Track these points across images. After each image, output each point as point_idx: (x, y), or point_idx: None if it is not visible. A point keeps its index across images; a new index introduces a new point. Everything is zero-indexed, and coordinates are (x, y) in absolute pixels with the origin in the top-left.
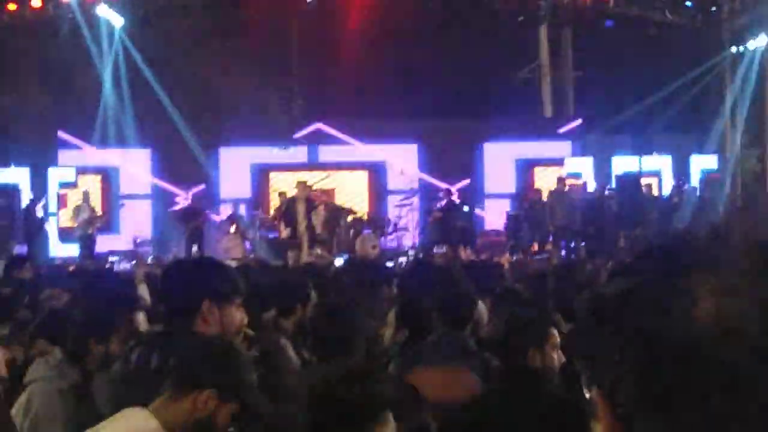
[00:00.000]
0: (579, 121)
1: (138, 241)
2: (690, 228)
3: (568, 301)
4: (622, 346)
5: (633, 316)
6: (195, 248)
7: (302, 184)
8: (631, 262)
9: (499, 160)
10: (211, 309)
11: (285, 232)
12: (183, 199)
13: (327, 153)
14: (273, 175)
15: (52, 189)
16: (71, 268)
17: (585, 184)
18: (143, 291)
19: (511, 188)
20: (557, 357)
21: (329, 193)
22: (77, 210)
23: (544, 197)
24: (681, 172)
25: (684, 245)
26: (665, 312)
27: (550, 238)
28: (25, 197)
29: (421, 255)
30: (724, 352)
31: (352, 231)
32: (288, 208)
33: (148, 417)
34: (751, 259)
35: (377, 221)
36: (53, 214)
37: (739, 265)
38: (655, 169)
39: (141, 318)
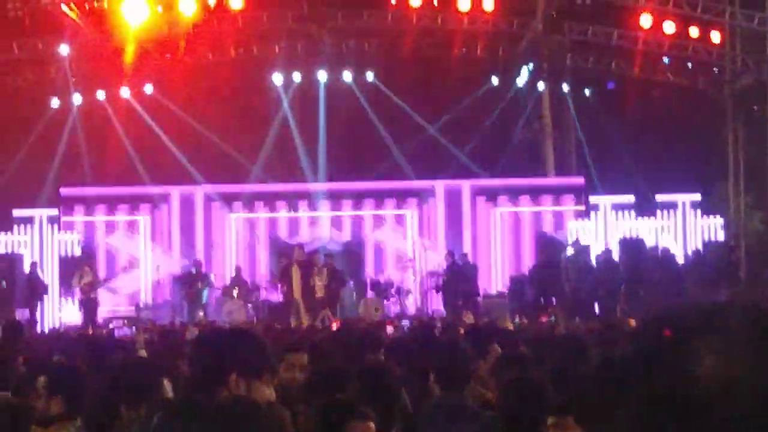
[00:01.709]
0: (581, 181)
1: (140, 305)
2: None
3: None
4: (632, 405)
5: (643, 376)
6: (201, 313)
7: (299, 248)
8: (640, 326)
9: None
10: (238, 382)
11: (282, 297)
12: (185, 263)
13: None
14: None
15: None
16: (73, 334)
17: (588, 247)
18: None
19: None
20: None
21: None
22: (80, 274)
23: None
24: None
25: (691, 312)
26: (672, 371)
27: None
28: (27, 262)
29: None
30: (725, 406)
31: (354, 294)
32: (284, 272)
33: None
34: (753, 325)
35: (380, 284)
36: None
37: (741, 330)
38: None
39: (167, 385)
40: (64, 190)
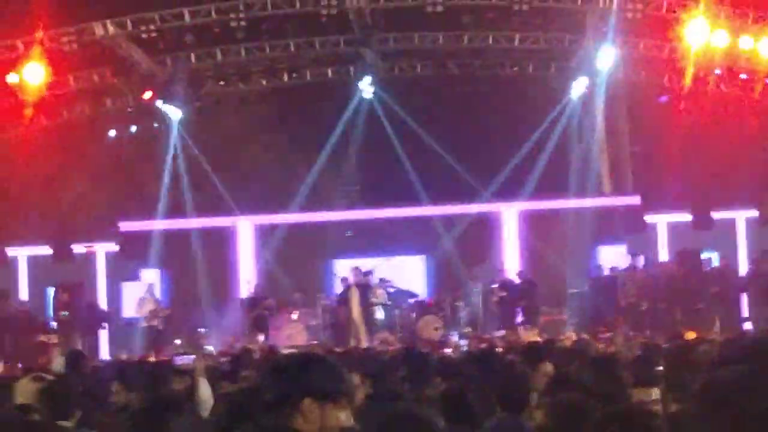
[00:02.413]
0: (638, 198)
1: (201, 331)
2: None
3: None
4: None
5: (751, 400)
6: (261, 337)
7: (356, 269)
8: (739, 348)
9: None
10: (311, 407)
11: (341, 318)
12: (247, 287)
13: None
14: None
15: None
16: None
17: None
18: (203, 385)
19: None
20: None
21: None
22: (141, 302)
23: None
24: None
25: None
26: None
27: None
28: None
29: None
30: None
31: (414, 314)
32: (343, 294)
33: None
34: None
35: (438, 304)
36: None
37: None
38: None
39: None
40: (123, 225)
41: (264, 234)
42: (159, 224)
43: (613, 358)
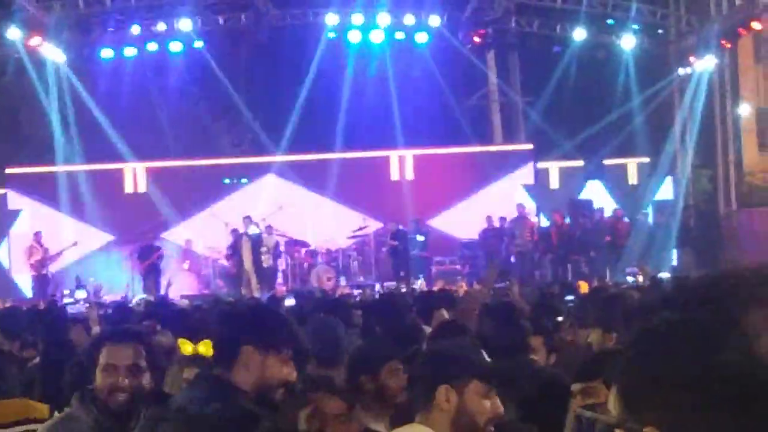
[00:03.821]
0: (530, 147)
1: (90, 280)
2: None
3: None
4: (681, 384)
5: (690, 352)
6: (152, 285)
7: (247, 219)
8: (672, 294)
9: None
10: (252, 356)
11: (233, 268)
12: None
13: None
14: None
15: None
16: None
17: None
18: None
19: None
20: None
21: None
22: (30, 251)
23: (497, 224)
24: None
25: (732, 279)
26: (724, 348)
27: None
28: None
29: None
30: None
31: (306, 264)
32: (235, 243)
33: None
34: None
35: (330, 253)
36: None
37: None
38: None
39: None
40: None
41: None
42: (47, 169)
43: (511, 306)
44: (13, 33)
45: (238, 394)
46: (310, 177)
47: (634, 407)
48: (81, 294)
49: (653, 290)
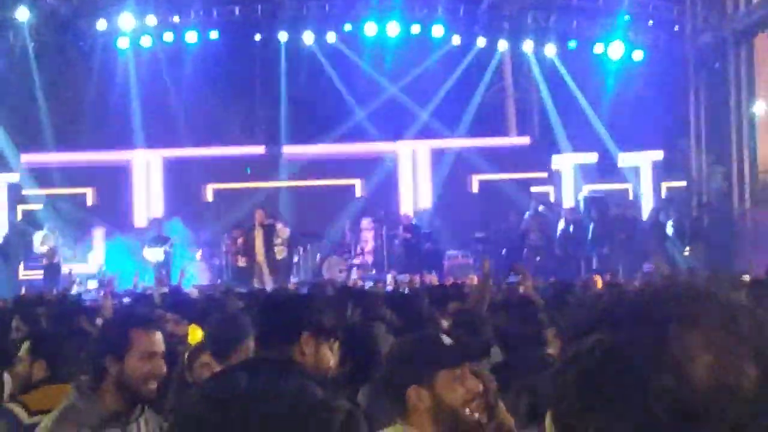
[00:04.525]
0: (543, 141)
1: (101, 269)
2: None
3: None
4: (614, 410)
5: (622, 376)
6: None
7: (260, 212)
8: (605, 311)
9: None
10: (309, 342)
11: (242, 262)
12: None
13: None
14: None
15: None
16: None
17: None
18: None
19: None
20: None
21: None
22: (44, 238)
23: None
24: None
25: (664, 297)
26: (657, 372)
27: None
28: None
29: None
30: (722, 408)
31: (318, 255)
32: (247, 236)
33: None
34: (740, 316)
35: (342, 246)
36: None
37: (726, 321)
38: (622, 189)
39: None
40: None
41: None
42: (59, 157)
43: (526, 299)
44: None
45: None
46: (321, 167)
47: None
48: (93, 284)
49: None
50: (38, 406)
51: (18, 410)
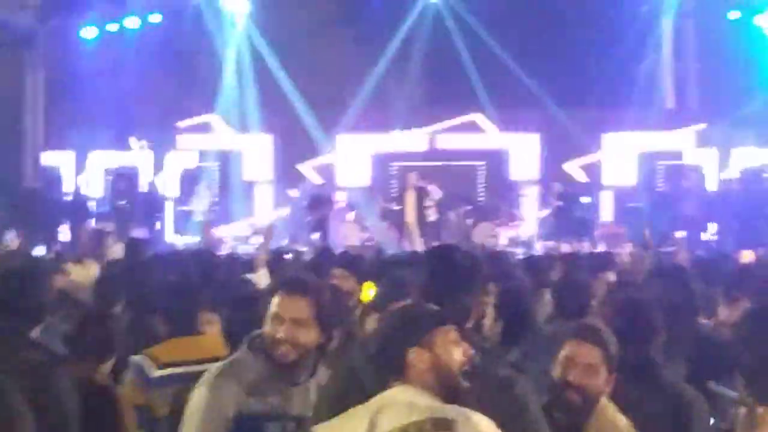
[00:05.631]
0: (699, 113)
1: (256, 229)
2: None
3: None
4: None
5: None
6: (318, 235)
7: (412, 174)
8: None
9: (620, 151)
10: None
11: (393, 223)
12: (306, 188)
13: (446, 142)
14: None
15: (173, 173)
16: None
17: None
18: (264, 275)
19: (631, 180)
20: None
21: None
22: (198, 196)
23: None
24: None
25: None
26: None
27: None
28: (145, 180)
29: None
30: None
31: (470, 220)
32: (399, 197)
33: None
34: None
35: (495, 211)
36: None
37: None
38: None
39: None
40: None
41: None
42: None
43: (681, 268)
44: None
45: None
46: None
47: (756, 386)
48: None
49: None
50: (166, 358)
51: (147, 363)
